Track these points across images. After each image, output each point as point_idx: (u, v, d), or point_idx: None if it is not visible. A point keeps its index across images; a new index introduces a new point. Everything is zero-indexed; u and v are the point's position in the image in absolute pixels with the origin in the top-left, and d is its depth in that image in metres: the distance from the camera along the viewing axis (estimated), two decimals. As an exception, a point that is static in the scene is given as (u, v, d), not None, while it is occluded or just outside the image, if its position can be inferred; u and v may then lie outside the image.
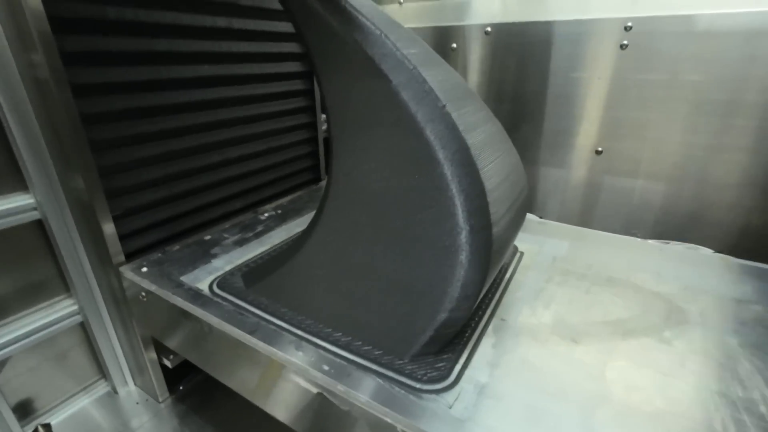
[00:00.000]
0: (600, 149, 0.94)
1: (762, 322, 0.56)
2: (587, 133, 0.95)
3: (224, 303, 0.60)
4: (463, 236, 0.44)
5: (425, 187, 0.46)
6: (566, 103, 0.95)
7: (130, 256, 0.74)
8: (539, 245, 0.78)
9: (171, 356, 0.80)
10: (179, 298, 0.61)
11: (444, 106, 0.46)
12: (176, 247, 0.78)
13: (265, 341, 0.52)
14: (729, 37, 0.76)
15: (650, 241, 0.80)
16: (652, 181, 0.91)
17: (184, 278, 0.67)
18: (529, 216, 0.98)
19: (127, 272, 0.70)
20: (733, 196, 0.84)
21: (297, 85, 1.04)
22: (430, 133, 0.45)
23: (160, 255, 0.75)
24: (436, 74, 0.50)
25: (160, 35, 0.73)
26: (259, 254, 0.75)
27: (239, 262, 0.72)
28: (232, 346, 0.56)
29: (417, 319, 0.48)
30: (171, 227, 0.81)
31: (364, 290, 0.52)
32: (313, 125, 1.11)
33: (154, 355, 0.81)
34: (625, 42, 0.85)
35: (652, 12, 0.82)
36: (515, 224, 0.54)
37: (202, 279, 0.67)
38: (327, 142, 1.18)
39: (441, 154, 0.45)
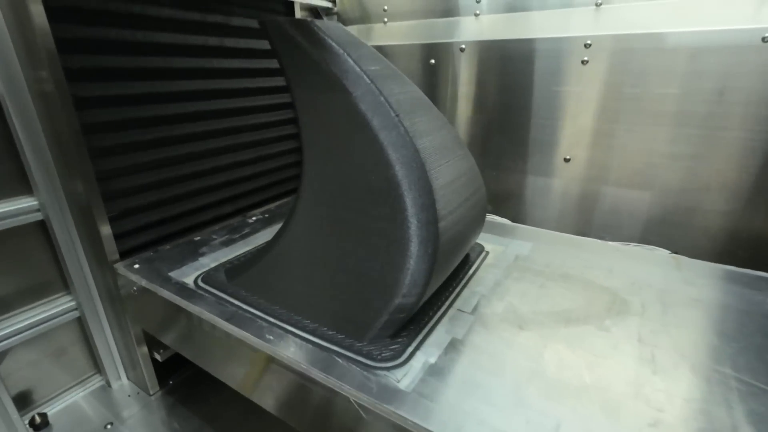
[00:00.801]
0: (568, 157, 1.00)
1: (696, 309, 0.61)
2: (557, 142, 1.01)
3: (207, 295, 0.66)
4: (412, 229, 0.50)
5: (379, 186, 0.52)
6: (536, 114, 1.01)
7: (124, 255, 0.80)
8: (505, 246, 0.83)
9: (161, 350, 0.86)
10: (166, 291, 0.67)
11: (397, 116, 0.53)
12: (167, 246, 0.84)
13: (239, 327, 0.57)
14: (683, 54, 0.83)
15: (611, 243, 0.85)
16: (618, 187, 0.97)
17: (172, 274, 0.73)
18: (501, 219, 1.03)
19: (120, 268, 0.76)
20: (691, 200, 0.89)
21: (285, 98, 1.11)
22: (384, 139, 0.51)
23: (152, 253, 0.81)
24: (393, 88, 0.56)
25: (157, 53, 0.80)
26: (243, 253, 0.80)
27: (224, 259, 0.78)
28: (211, 333, 0.61)
29: (374, 305, 0.53)
30: (163, 228, 0.87)
31: (328, 280, 0.57)
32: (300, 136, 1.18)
33: (145, 349, 0.86)
34: (586, 58, 0.91)
35: (610, 30, 0.89)
36: (468, 220, 0.60)
37: (189, 274, 0.73)
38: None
39: (393, 157, 0.51)
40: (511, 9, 1.01)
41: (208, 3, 0.88)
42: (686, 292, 0.66)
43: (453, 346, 0.54)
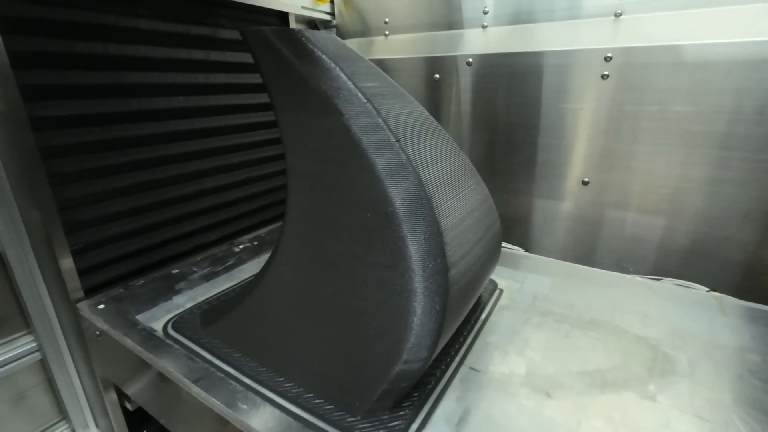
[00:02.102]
0: (587, 180, 0.91)
1: (758, 373, 0.51)
2: (573, 163, 0.92)
3: (176, 346, 0.56)
4: (417, 280, 0.41)
5: (376, 226, 0.43)
6: (551, 133, 0.93)
7: (90, 291, 0.71)
8: (520, 282, 0.74)
9: (132, 398, 0.76)
10: (129, 340, 0.58)
11: (397, 141, 0.44)
12: (140, 281, 0.75)
13: (208, 391, 0.47)
14: (716, 68, 0.74)
15: (639, 278, 0.76)
16: (642, 214, 0.88)
17: (140, 317, 0.63)
18: (513, 249, 0.94)
19: (83, 309, 0.67)
20: (726, 230, 0.80)
21: (278, 115, 1.03)
22: (381, 169, 0.43)
23: (122, 290, 0.72)
24: (394, 108, 0.48)
25: (132, 68, 0.73)
26: (224, 290, 0.71)
27: (202, 299, 0.69)
28: (177, 393, 0.51)
29: (369, 371, 0.44)
30: (137, 261, 0.78)
31: (316, 336, 0.48)
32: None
33: (114, 397, 0.76)
34: (606, 72, 0.83)
35: (633, 43, 0.81)
36: (481, 264, 0.51)
37: (159, 318, 0.63)
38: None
39: (392, 191, 0.42)
40: (520, 20, 0.93)
41: (193, 15, 0.81)
42: (737, 343, 0.56)
43: (466, 421, 0.44)
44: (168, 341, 0.57)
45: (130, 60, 0.72)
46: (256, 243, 0.93)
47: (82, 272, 0.69)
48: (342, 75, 0.46)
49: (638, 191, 0.87)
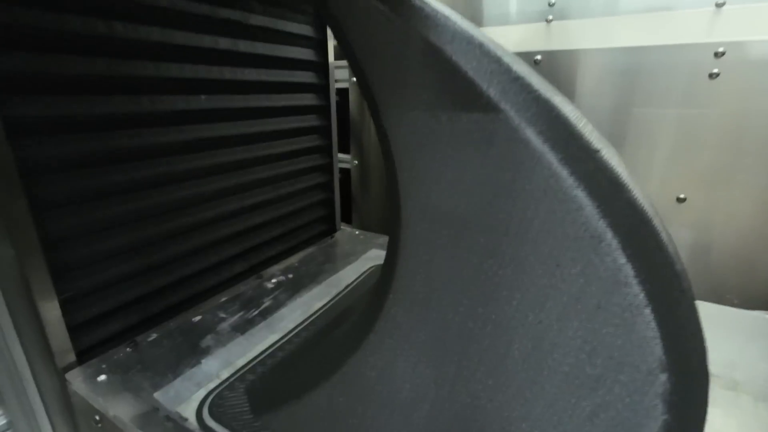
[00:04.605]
0: (683, 196, 0.78)
1: None
2: (667, 177, 0.78)
3: (220, 448, 0.39)
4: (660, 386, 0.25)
5: (585, 295, 0.27)
6: (638, 141, 0.79)
7: (84, 354, 0.53)
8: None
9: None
10: (150, 440, 0.40)
11: (597, 150, 0.28)
12: (152, 336, 0.57)
13: None
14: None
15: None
16: (752, 240, 0.74)
17: (159, 395, 0.45)
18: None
19: (76, 381, 0.48)
20: None
21: (311, 120, 0.87)
22: (584, 196, 0.27)
23: (128, 350, 0.54)
24: (562, 102, 0.33)
25: (143, 57, 0.55)
26: (270, 348, 0.54)
27: (242, 362, 0.51)
28: None
29: None
30: (147, 307, 0.60)
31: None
32: (328, 168, 0.93)
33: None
34: (716, 71, 0.70)
35: (747, 36, 0.68)
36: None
37: (187, 397, 0.45)
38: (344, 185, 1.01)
39: (615, 241, 0.26)
40: (594, 13, 0.80)
41: (218, -8, 0.64)
42: None
43: None
44: (207, 439, 0.40)
45: (140, 45, 0.55)
46: (291, 276, 0.75)
47: (74, 328, 0.51)
48: (490, 47, 0.31)
49: (749, 212, 0.74)
